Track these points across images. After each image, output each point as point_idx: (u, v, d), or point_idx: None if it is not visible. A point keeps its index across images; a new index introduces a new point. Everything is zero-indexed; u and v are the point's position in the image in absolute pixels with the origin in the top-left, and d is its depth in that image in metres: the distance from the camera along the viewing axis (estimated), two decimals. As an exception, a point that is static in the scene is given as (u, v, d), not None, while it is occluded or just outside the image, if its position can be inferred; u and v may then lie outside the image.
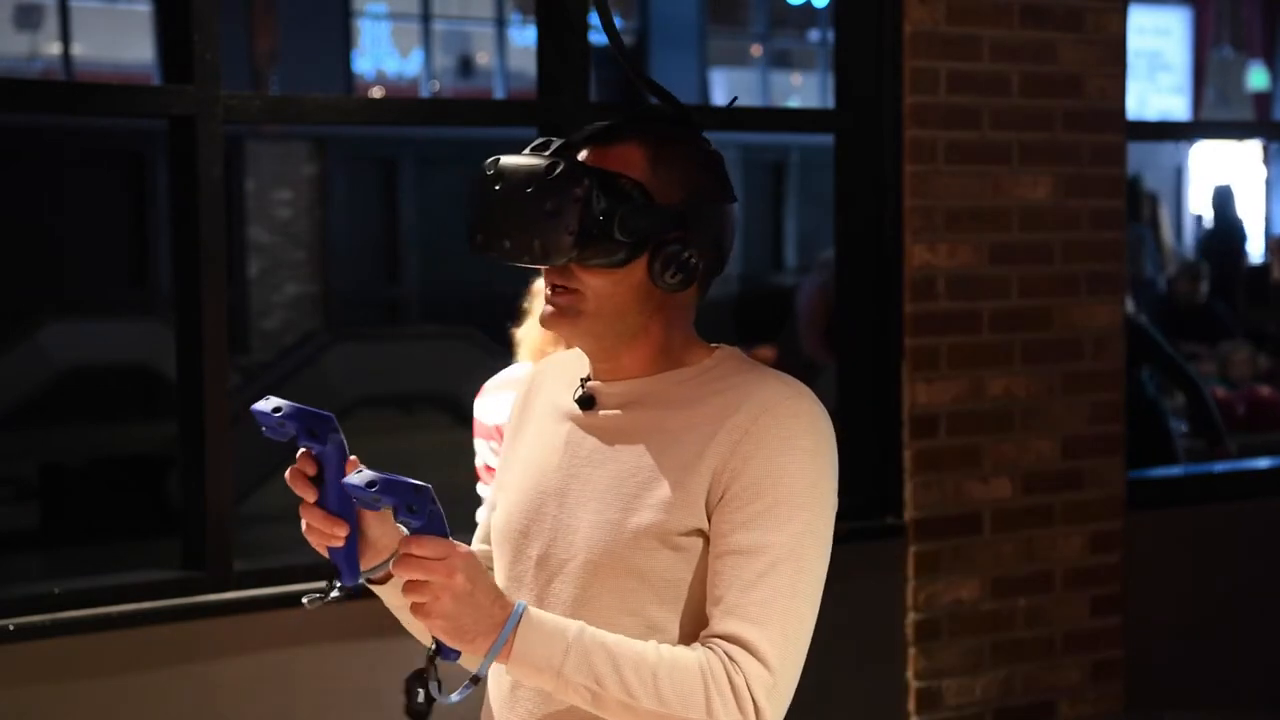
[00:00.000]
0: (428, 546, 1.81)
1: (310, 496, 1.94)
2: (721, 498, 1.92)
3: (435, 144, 15.34)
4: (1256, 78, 18.42)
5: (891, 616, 4.35)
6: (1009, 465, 4.50)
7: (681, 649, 1.89)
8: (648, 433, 1.98)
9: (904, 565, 4.38)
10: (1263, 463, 5.70)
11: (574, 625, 1.88)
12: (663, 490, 1.94)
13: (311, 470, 1.94)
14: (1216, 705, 4.98)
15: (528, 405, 2.13)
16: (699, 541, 1.93)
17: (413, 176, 15.88)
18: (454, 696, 1.87)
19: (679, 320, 2.02)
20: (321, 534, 1.93)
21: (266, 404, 1.92)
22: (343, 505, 1.93)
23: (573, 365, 2.11)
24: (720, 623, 1.89)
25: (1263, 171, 18.19)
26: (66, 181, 13.75)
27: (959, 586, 4.45)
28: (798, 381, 2.00)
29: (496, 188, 1.99)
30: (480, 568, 1.85)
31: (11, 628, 3.35)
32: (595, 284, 1.97)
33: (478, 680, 1.87)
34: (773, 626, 1.88)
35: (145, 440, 9.64)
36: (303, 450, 1.95)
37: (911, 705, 4.41)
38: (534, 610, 1.87)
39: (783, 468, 1.92)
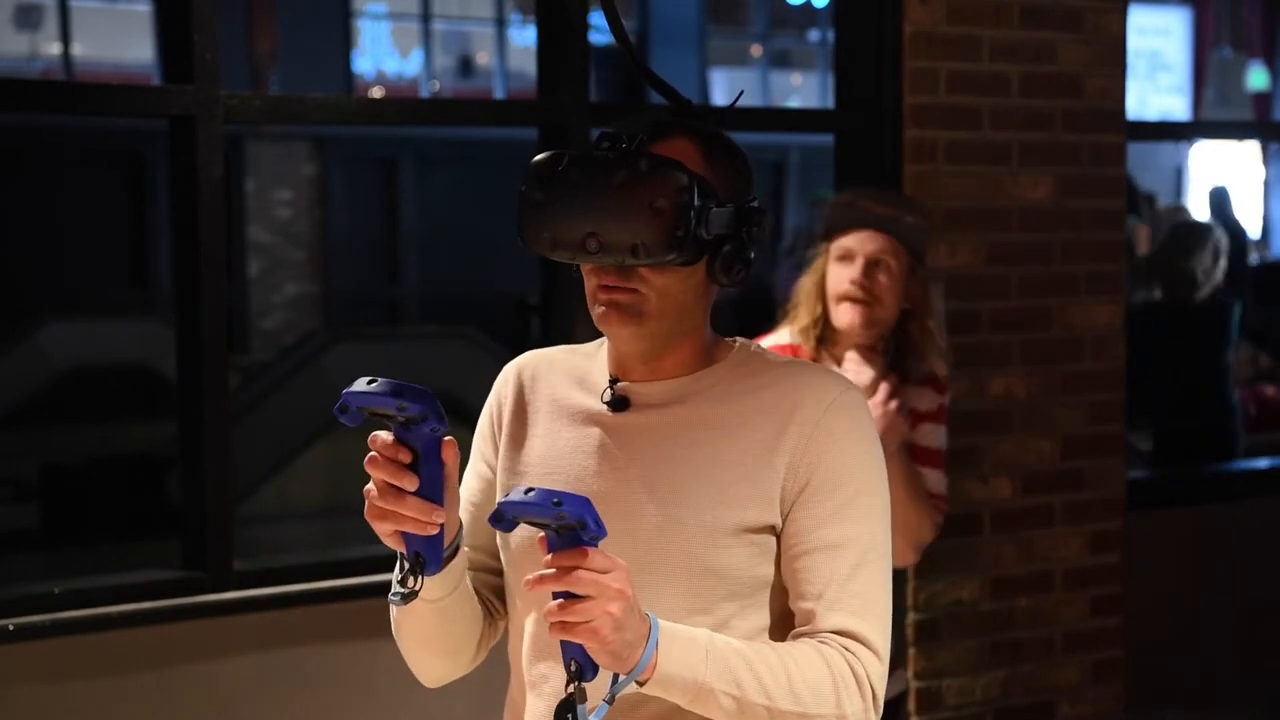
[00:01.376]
0: (596, 559, 1.73)
1: (411, 485, 1.80)
2: (801, 492, 1.92)
3: (435, 144, 15.34)
4: (1256, 78, 18.42)
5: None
6: (1009, 465, 4.50)
7: (799, 646, 1.89)
8: (697, 430, 1.95)
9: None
10: (1263, 463, 5.70)
11: (701, 632, 1.85)
12: (731, 486, 1.93)
13: (407, 457, 1.80)
14: (1216, 705, 4.98)
15: (522, 407, 2.06)
16: (770, 535, 1.93)
17: (413, 176, 15.87)
18: (595, 718, 1.77)
19: (709, 316, 2.01)
20: (417, 523, 1.81)
21: (378, 385, 1.77)
22: (435, 489, 1.82)
23: (568, 364, 2.06)
24: (827, 618, 1.90)
25: (1262, 171, 18.19)
26: (66, 181, 13.74)
27: (959, 586, 4.45)
28: (829, 369, 2.02)
29: (573, 185, 1.90)
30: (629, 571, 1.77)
31: (11, 628, 3.35)
32: (661, 283, 1.92)
33: (612, 699, 1.77)
34: (875, 617, 1.92)
35: (145, 440, 9.63)
36: (390, 437, 1.81)
37: (911, 705, 4.41)
38: (664, 621, 1.82)
39: (859, 459, 1.94)
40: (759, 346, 2.04)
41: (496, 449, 2.07)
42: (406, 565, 1.86)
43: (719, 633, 1.90)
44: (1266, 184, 18.28)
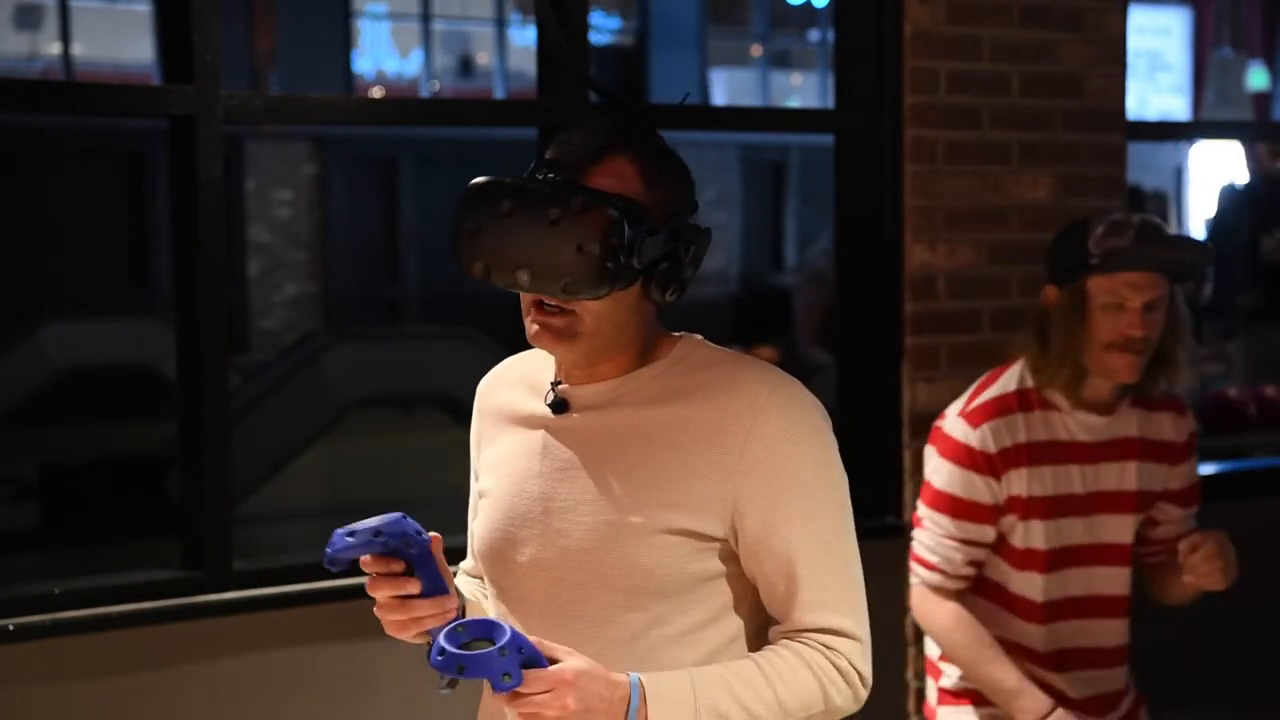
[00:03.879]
0: (532, 684, 1.82)
1: (415, 588, 1.90)
2: (747, 500, 1.95)
3: (435, 144, 15.34)
4: (1256, 78, 18.41)
5: (891, 616, 4.35)
6: (1009, 465, 4.49)
7: (781, 655, 1.95)
8: (632, 431, 1.98)
9: (904, 565, 4.37)
10: (1263, 463, 5.70)
11: (682, 675, 1.90)
12: (661, 489, 1.95)
13: (400, 567, 1.91)
14: (1217, 705, 4.98)
15: (488, 414, 2.13)
16: (704, 540, 1.96)
17: (413, 176, 15.88)
18: None
19: (651, 321, 2.03)
20: (435, 618, 1.91)
21: (354, 536, 1.90)
22: (437, 583, 1.92)
23: (526, 370, 2.11)
24: (803, 618, 1.96)
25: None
26: (66, 181, 13.74)
27: (959, 586, 4.45)
28: (770, 365, 2.03)
29: (508, 216, 1.92)
30: (581, 668, 1.84)
31: (11, 628, 3.35)
32: (595, 308, 1.95)
33: None
34: (847, 604, 1.98)
35: (145, 440, 9.64)
36: (374, 557, 1.92)
37: (912, 705, 4.41)
38: (645, 676, 1.88)
39: (797, 457, 1.95)
40: (702, 341, 2.06)
41: (476, 459, 2.16)
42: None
43: (655, 629, 1.95)
44: (1266, 184, 18.26)
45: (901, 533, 4.37)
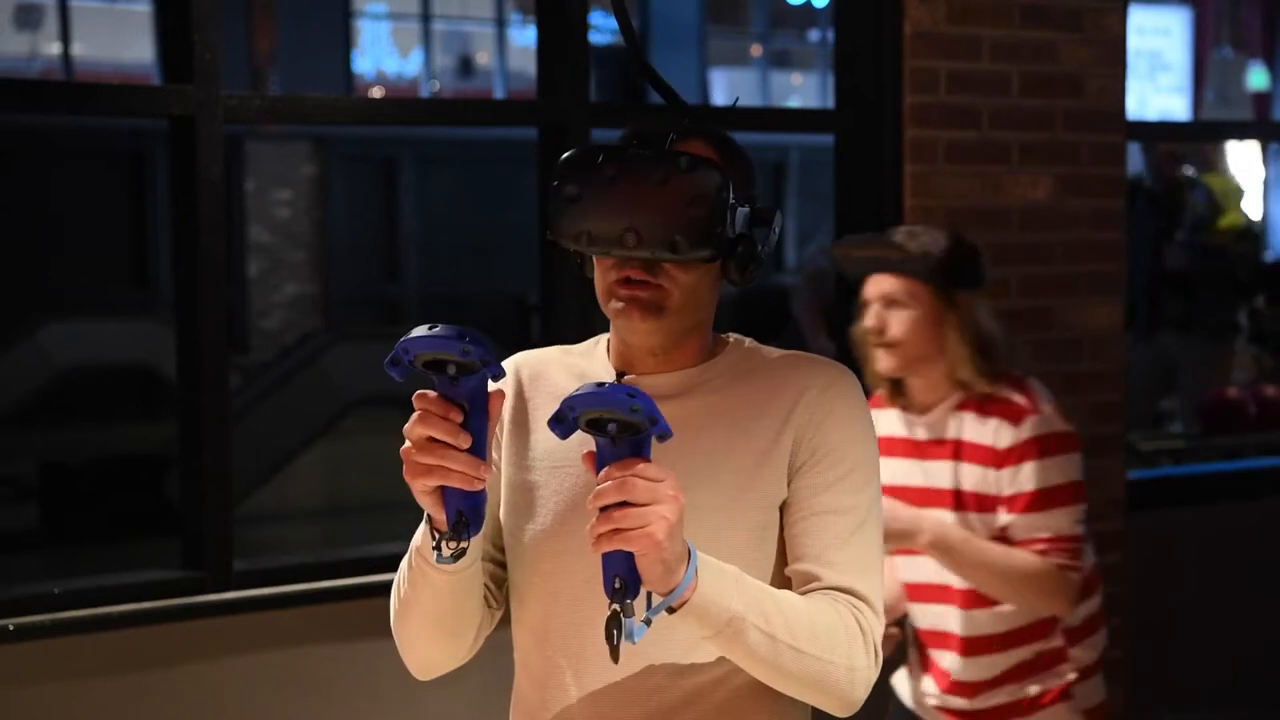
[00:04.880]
0: (650, 468, 1.75)
1: (465, 442, 1.80)
2: (805, 462, 1.98)
3: (435, 144, 15.34)
4: (1256, 78, 18.42)
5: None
6: (1009, 465, 4.49)
7: (814, 596, 1.94)
8: (707, 418, 2.00)
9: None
10: (1262, 463, 5.70)
11: (730, 567, 1.87)
12: (744, 470, 1.98)
13: (459, 415, 1.80)
14: (1217, 705, 4.98)
15: (523, 404, 2.07)
16: (778, 512, 1.99)
17: (413, 176, 15.88)
18: (635, 637, 1.77)
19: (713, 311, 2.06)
20: (466, 478, 1.80)
21: (441, 329, 1.76)
22: (481, 445, 1.79)
23: (565, 362, 2.09)
24: (829, 576, 1.95)
25: (1262, 171, 18.18)
26: (67, 181, 13.75)
27: (959, 586, 4.45)
28: (823, 356, 2.09)
29: (613, 179, 1.92)
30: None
31: (11, 628, 3.35)
32: (684, 280, 1.97)
33: (649, 621, 1.78)
34: (872, 579, 1.98)
35: (145, 440, 9.65)
36: (436, 394, 1.81)
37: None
38: (696, 550, 1.83)
39: (856, 437, 2.01)
40: (753, 341, 2.10)
41: (498, 445, 2.07)
42: (445, 528, 1.84)
43: None
44: (1266, 184, 18.28)
45: (901, 533, 4.37)
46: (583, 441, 1.87)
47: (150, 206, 14.24)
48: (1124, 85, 4.64)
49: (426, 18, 17.35)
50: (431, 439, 1.80)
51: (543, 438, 2.03)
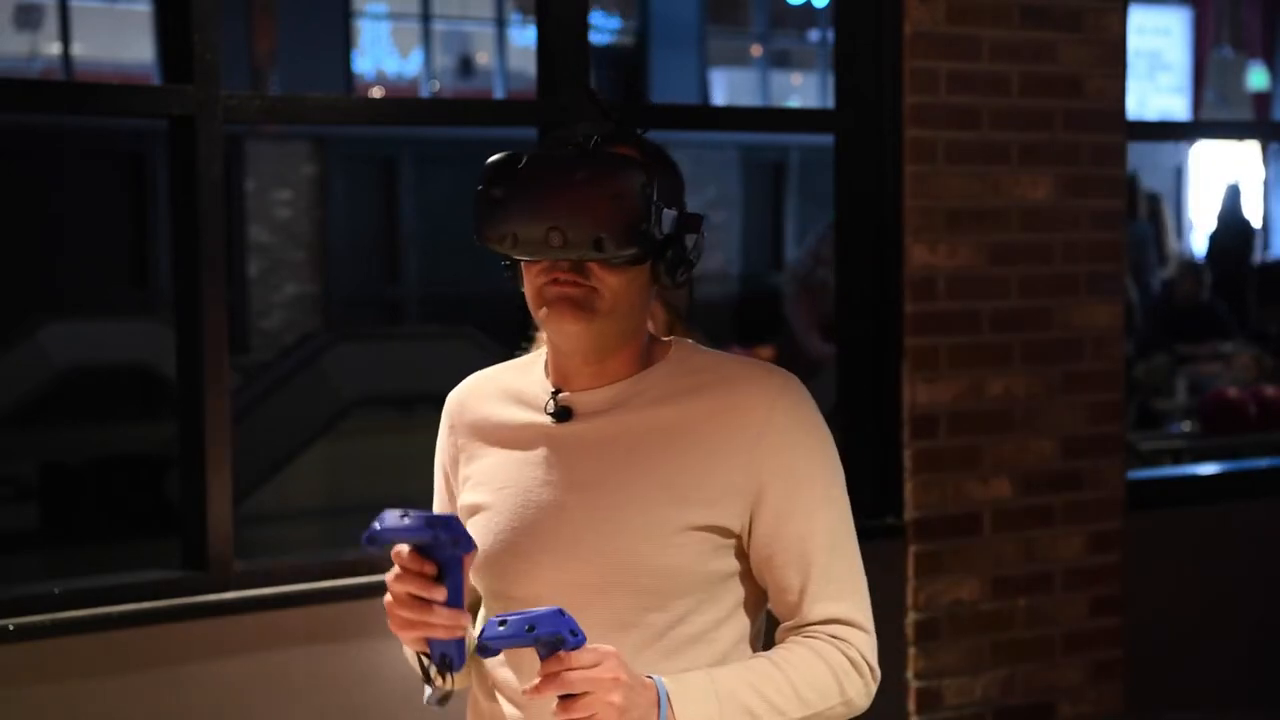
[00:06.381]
0: (585, 656, 1.80)
1: (440, 597, 1.87)
2: (760, 492, 1.97)
3: (435, 144, 15.33)
4: (1256, 78, 18.42)
5: (891, 616, 4.35)
6: (1009, 465, 4.50)
7: (795, 650, 1.96)
8: (642, 434, 1.99)
9: (904, 565, 4.38)
10: (1263, 463, 5.70)
11: (701, 674, 1.90)
12: (678, 486, 1.96)
13: (433, 570, 1.87)
14: (1216, 705, 4.98)
15: (464, 429, 2.10)
16: (722, 535, 1.98)
17: (413, 176, 15.87)
18: None
19: (646, 322, 2.05)
20: (447, 629, 1.88)
21: (412, 520, 1.83)
22: (457, 597, 1.89)
23: (504, 382, 2.10)
24: (813, 610, 1.98)
25: (1262, 171, 18.18)
26: (66, 182, 13.74)
27: (959, 586, 4.45)
28: (770, 364, 2.07)
29: (535, 180, 1.92)
30: (621, 658, 1.84)
31: (11, 628, 3.35)
32: (613, 282, 1.96)
33: None
34: (855, 594, 2.00)
35: (145, 440, 9.64)
36: (410, 552, 1.87)
37: (911, 705, 4.41)
38: (667, 678, 1.88)
39: (809, 450, 1.99)
40: (695, 344, 2.08)
41: (447, 475, 2.14)
42: (433, 667, 1.92)
43: (676, 629, 1.95)
44: (1266, 184, 18.27)
45: (902, 533, 4.37)
46: (523, 461, 1.99)
47: (150, 206, 14.23)
48: (1124, 85, 4.64)
49: (426, 18, 17.34)
50: (411, 594, 1.87)
51: (485, 464, 2.06)
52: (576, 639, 1.80)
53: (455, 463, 2.11)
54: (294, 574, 3.66)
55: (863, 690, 1.98)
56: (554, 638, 1.79)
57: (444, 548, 1.85)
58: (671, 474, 1.96)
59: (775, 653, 1.96)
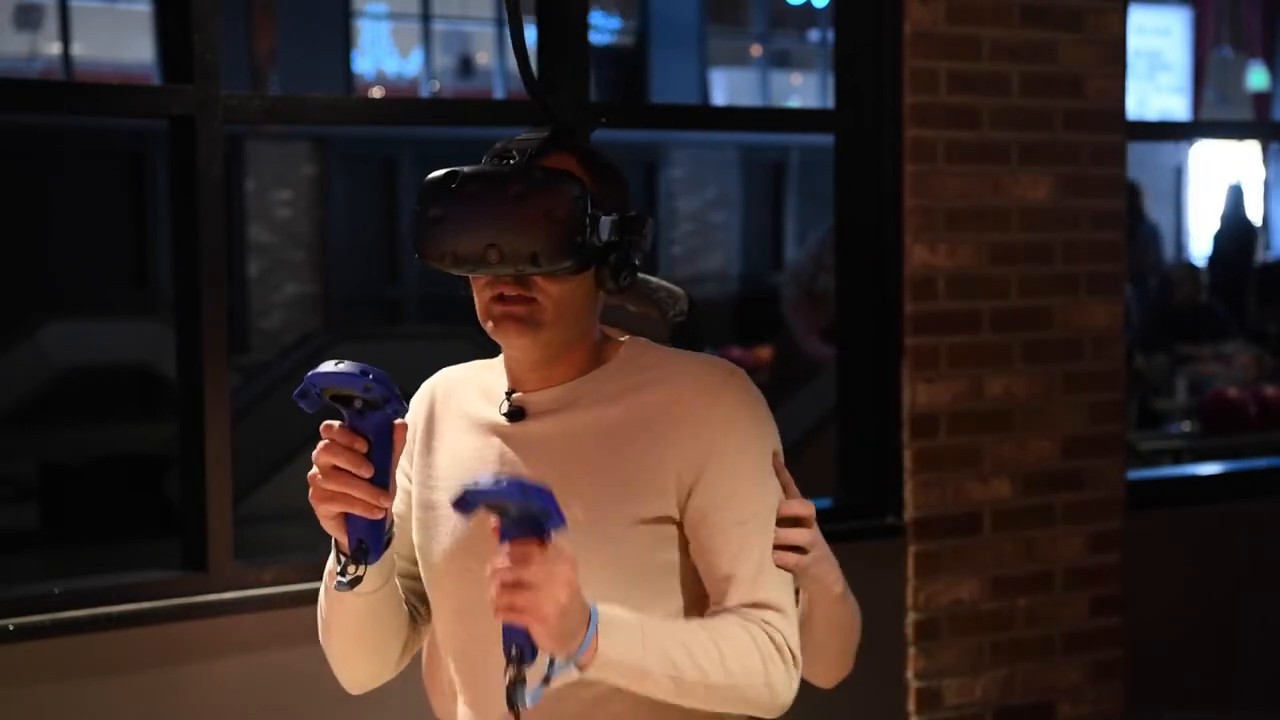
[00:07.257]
0: (549, 551, 1.81)
1: (367, 472, 1.89)
2: (696, 480, 2.00)
3: (435, 144, 15.30)
4: (1256, 78, 18.41)
5: (891, 616, 4.35)
6: (1009, 465, 4.50)
7: (726, 623, 1.98)
8: (593, 430, 2.02)
9: (904, 565, 4.38)
10: (1262, 463, 5.70)
11: (633, 617, 1.92)
12: (624, 483, 2.00)
13: (363, 445, 1.89)
14: (1216, 705, 4.98)
15: (435, 421, 2.13)
16: (669, 525, 2.01)
17: (413, 176, 15.86)
18: (529, 701, 1.84)
19: (596, 322, 2.08)
20: (367, 506, 1.89)
21: (345, 365, 1.85)
22: (384, 475, 1.89)
23: (477, 378, 2.14)
24: (739, 594, 2.00)
25: (1262, 171, 18.18)
26: (66, 182, 13.74)
27: (959, 586, 4.45)
28: (713, 357, 2.11)
29: (472, 199, 1.97)
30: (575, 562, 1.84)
31: (11, 628, 3.35)
32: (556, 292, 2.00)
33: (549, 681, 1.85)
34: (774, 578, 2.02)
35: (145, 440, 9.63)
36: (341, 426, 1.90)
37: (911, 705, 4.41)
38: (602, 608, 1.89)
39: (743, 441, 2.03)
40: (648, 343, 2.11)
41: (412, 462, 2.14)
42: (347, 553, 1.92)
43: None
44: (1266, 184, 18.27)
45: (902, 533, 4.37)
46: (479, 456, 2.00)
47: (150, 206, 14.23)
48: (1124, 85, 4.64)
49: (426, 18, 17.34)
50: (336, 468, 1.88)
51: (446, 457, 2.09)
52: (560, 519, 1.80)
53: (425, 448, 2.12)
54: (294, 574, 3.66)
55: (784, 676, 1.99)
56: (543, 510, 1.78)
57: (373, 407, 1.85)
58: (619, 468, 2.00)
59: (707, 620, 1.99)
